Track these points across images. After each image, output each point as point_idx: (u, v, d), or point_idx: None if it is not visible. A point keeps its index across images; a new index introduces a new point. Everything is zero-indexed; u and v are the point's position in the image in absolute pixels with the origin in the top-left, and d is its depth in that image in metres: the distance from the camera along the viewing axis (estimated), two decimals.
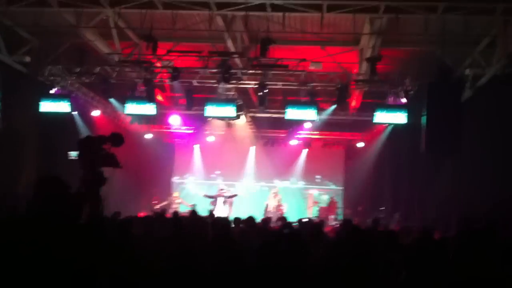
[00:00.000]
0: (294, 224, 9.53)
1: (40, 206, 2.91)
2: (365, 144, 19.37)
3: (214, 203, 17.81)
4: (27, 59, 12.38)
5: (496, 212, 9.75)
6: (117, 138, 4.64)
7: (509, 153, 10.20)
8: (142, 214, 14.06)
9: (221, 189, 18.70)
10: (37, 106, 13.06)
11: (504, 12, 9.69)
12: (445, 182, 13.97)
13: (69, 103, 13.26)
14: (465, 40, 10.91)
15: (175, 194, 20.06)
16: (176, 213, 11.16)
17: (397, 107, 12.72)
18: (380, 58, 11.47)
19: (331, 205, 19.68)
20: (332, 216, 18.67)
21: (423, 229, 8.03)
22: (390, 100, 13.00)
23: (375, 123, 14.22)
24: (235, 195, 18.42)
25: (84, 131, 14.45)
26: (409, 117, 12.56)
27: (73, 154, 4.54)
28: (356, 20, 10.85)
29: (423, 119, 11.06)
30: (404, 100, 12.66)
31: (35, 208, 2.95)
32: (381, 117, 12.81)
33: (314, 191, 21.04)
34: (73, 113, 13.75)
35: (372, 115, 12.99)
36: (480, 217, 9.25)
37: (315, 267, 4.99)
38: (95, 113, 15.89)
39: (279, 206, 18.53)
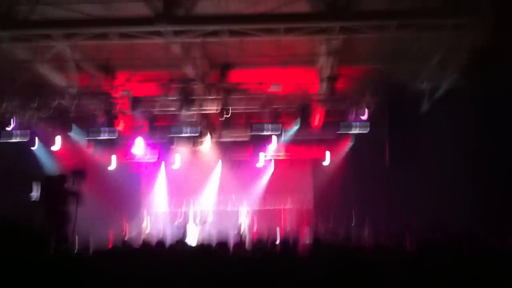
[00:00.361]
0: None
1: None
2: (330, 161, 19.51)
3: (183, 228, 17.64)
4: None
5: (458, 220, 9.98)
6: (79, 174, 4.55)
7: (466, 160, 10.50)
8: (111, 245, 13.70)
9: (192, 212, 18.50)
10: None
11: (454, 27, 9.98)
12: (410, 192, 14.23)
13: (28, 138, 12.98)
14: (419, 56, 11.20)
15: (144, 224, 19.69)
16: (145, 244, 10.90)
17: (359, 124, 12.95)
18: (338, 77, 11.67)
19: (303, 223, 19.71)
20: (305, 233, 18.69)
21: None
22: (351, 117, 13.21)
23: (340, 134, 14.37)
24: (205, 218, 18.26)
25: (45, 165, 14.12)
26: (371, 129, 12.81)
27: (35, 195, 4.44)
28: (312, 41, 11.01)
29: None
30: (365, 117, 12.89)
31: None
32: (345, 134, 13.03)
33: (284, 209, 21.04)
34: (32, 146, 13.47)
35: (335, 133, 13.17)
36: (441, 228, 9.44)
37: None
38: (56, 147, 15.55)
39: (252, 226, 18.46)
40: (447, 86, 11.38)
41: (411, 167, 11.70)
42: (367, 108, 12.86)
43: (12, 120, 13.12)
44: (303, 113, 13.01)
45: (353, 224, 17.73)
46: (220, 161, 20.04)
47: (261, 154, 18.28)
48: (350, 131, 12.95)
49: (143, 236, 18.21)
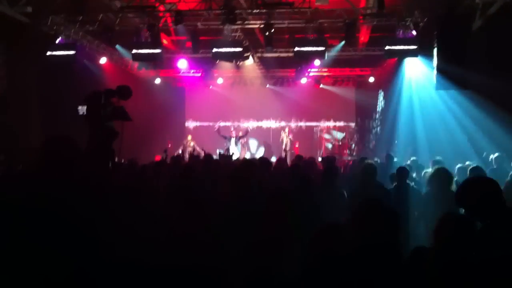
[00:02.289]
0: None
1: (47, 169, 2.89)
2: (375, 79, 19.14)
3: (226, 145, 18.00)
4: (29, 9, 12.17)
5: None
6: (125, 91, 4.62)
7: None
8: (157, 159, 14.14)
9: (233, 130, 18.84)
10: (43, 57, 12.99)
11: None
12: (453, 115, 13.87)
13: (75, 52, 13.17)
14: None
15: (188, 137, 20.19)
16: (192, 158, 11.14)
17: (407, 40, 12.46)
18: None
19: (344, 142, 19.80)
20: (346, 152, 18.85)
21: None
22: (399, 33, 12.70)
23: (385, 58, 14.02)
24: (246, 133, 18.55)
25: (91, 81, 14.42)
26: (419, 50, 12.33)
27: (82, 109, 4.55)
28: None
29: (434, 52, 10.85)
30: (414, 33, 12.38)
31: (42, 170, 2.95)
32: (391, 51, 12.60)
33: (326, 129, 21.12)
34: (79, 62, 13.71)
35: (382, 50, 12.78)
36: None
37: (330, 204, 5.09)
38: (102, 60, 15.83)
39: (293, 144, 18.67)
40: (502, 1, 10.63)
41: (459, 89, 11.26)
42: (416, 24, 12.30)
43: (58, 34, 13.27)
44: (349, 29, 12.55)
45: (395, 145, 17.64)
46: (263, 77, 19.96)
47: (305, 71, 18.07)
48: (396, 48, 12.48)
49: (188, 149, 18.73)
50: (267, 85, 20.60)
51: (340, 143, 19.67)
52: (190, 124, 22.31)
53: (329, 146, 19.83)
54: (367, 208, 2.99)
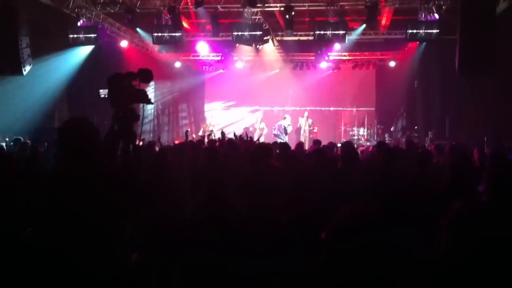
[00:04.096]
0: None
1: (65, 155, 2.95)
2: (396, 64, 18.92)
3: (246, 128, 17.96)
4: None
5: None
6: (146, 74, 4.65)
7: None
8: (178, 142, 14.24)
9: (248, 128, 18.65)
10: (65, 39, 13.13)
11: None
12: (478, 102, 13.67)
13: (96, 34, 13.27)
14: None
15: (208, 121, 20.29)
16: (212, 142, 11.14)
17: (429, 23, 12.27)
18: None
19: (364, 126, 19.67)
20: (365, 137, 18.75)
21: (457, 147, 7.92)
22: (422, 16, 12.51)
23: (407, 41, 13.84)
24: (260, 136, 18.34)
25: (113, 63, 14.55)
26: (441, 34, 12.14)
27: (104, 92, 4.60)
28: None
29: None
30: (436, 16, 12.18)
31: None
32: (413, 34, 12.41)
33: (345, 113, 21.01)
34: (101, 45, 13.82)
35: (403, 33, 12.62)
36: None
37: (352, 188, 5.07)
38: (123, 43, 15.93)
39: (311, 129, 18.55)
40: None
41: (484, 75, 11.06)
42: (439, 7, 12.10)
43: (80, 17, 13.38)
44: (371, 12, 12.40)
45: (416, 128, 17.51)
46: (283, 60, 19.86)
47: (325, 55, 17.92)
48: (418, 32, 12.28)
49: (207, 133, 18.79)
50: (286, 69, 20.48)
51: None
52: (209, 107, 22.39)
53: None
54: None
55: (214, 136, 16.98)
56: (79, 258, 2.67)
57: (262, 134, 18.02)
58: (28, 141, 10.05)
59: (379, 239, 2.25)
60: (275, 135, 17.07)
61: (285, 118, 17.71)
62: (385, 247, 2.25)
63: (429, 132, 15.71)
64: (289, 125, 17.43)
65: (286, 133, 17.26)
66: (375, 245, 2.22)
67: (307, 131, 18.35)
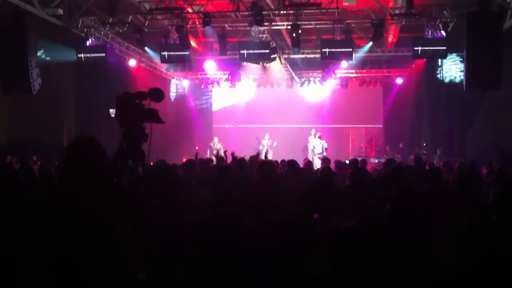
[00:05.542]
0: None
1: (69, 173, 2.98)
2: (403, 81, 18.94)
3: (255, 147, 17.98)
4: (60, 11, 12.41)
5: None
6: (157, 94, 4.64)
7: None
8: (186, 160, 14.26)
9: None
10: (74, 59, 13.26)
11: None
12: (485, 117, 13.63)
13: (104, 54, 13.40)
14: None
15: (215, 139, 20.30)
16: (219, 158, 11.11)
17: (436, 41, 12.30)
18: None
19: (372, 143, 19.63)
20: (374, 154, 18.68)
21: (466, 164, 7.90)
22: (428, 33, 12.54)
23: (414, 58, 13.87)
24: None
25: (121, 82, 14.66)
26: (448, 51, 12.17)
27: (114, 112, 4.60)
28: None
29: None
30: (443, 33, 12.21)
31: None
32: (420, 51, 12.44)
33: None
34: (109, 64, 13.94)
35: (410, 50, 12.65)
36: None
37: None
38: (132, 62, 16.06)
39: (324, 148, 18.39)
40: None
41: (491, 89, 11.04)
42: (445, 24, 12.13)
43: (89, 36, 13.52)
44: (377, 29, 12.44)
45: (424, 145, 17.43)
46: (290, 78, 19.92)
47: (332, 72, 17.95)
48: (425, 49, 12.30)
49: (215, 152, 18.78)
50: (293, 87, 20.52)
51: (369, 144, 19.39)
52: (217, 126, 22.43)
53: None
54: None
55: (219, 154, 16.97)
56: (86, 273, 2.69)
57: (268, 151, 17.97)
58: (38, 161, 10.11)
59: (381, 250, 2.27)
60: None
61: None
62: (389, 258, 2.27)
63: (438, 150, 15.64)
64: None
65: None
66: (377, 255, 2.24)
67: (317, 149, 18.00)
